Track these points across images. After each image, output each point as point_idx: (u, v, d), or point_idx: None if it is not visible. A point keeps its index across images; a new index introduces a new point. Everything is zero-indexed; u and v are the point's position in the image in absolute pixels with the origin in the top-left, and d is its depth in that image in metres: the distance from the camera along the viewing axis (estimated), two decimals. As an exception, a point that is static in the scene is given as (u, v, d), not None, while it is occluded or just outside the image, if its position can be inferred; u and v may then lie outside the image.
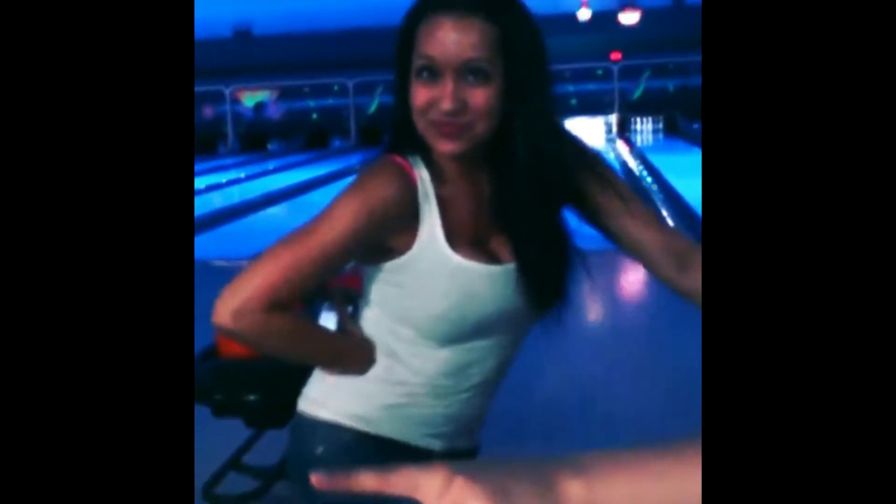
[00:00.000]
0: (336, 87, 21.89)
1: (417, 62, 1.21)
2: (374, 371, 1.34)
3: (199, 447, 1.88)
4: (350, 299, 1.46)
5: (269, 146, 22.00)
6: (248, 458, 2.92)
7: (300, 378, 1.41)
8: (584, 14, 19.08)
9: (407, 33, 1.24)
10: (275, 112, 22.63)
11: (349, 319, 1.39)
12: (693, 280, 1.29)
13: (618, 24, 19.55)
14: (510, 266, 1.30)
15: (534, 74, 1.23)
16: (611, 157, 14.29)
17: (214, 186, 12.85)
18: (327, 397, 1.36)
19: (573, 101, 19.67)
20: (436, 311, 1.27)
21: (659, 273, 1.33)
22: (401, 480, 0.64)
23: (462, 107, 1.19)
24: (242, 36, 23.06)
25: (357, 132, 20.97)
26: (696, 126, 17.71)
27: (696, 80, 19.41)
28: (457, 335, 1.29)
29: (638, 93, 21.21)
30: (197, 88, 20.00)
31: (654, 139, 19.97)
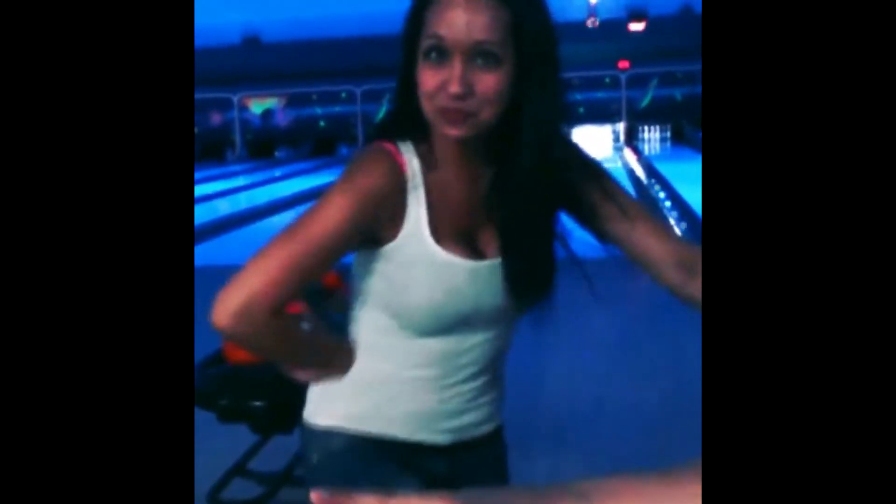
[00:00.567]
0: (344, 95, 21.93)
1: (425, 42, 1.18)
2: (360, 373, 1.34)
3: (204, 452, 1.88)
4: (331, 304, 1.46)
5: (277, 153, 22.05)
6: (253, 464, 2.92)
7: (306, 384, 1.41)
8: (591, 22, 19.08)
9: (416, 13, 1.20)
10: (283, 119, 22.68)
11: (318, 324, 1.38)
12: (698, 287, 1.27)
13: (625, 32, 19.56)
14: (495, 262, 1.28)
15: (545, 62, 1.21)
16: (618, 165, 14.29)
17: (222, 193, 12.88)
18: (322, 403, 1.37)
19: (581, 110, 19.66)
20: (416, 302, 1.26)
21: (664, 281, 1.32)
22: None
23: (470, 91, 1.16)
24: (251, 43, 23.12)
25: (365, 140, 20.88)
26: (703, 135, 17.67)
27: (704, 89, 19.34)
28: (439, 327, 1.28)
29: (645, 101, 21.21)
30: (205, 95, 20.13)
31: (662, 147, 19.95)
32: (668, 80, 20.88)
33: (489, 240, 1.29)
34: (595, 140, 19.45)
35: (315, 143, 21.65)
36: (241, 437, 2.77)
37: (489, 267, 1.28)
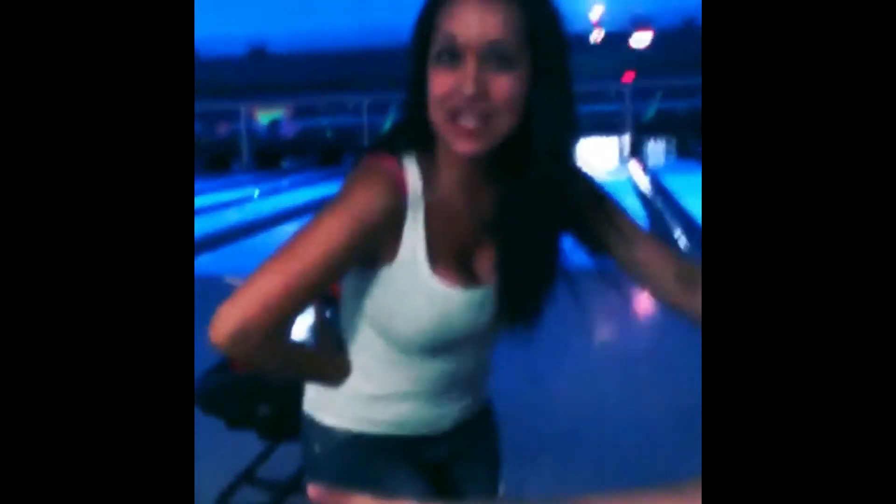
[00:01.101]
0: (350, 106, 21.93)
1: (437, 44, 1.12)
2: (354, 386, 1.35)
3: (212, 460, 1.88)
4: (328, 302, 1.46)
5: (283, 164, 22.03)
6: (261, 472, 2.93)
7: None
8: (596, 35, 19.10)
9: (427, 15, 1.15)
10: (289, 130, 22.69)
11: (324, 327, 1.40)
12: (698, 303, 1.25)
13: (630, 45, 19.55)
14: (489, 288, 1.26)
15: (559, 69, 1.16)
16: (623, 178, 14.26)
17: (228, 203, 12.90)
18: (323, 399, 1.38)
19: (585, 122, 19.57)
20: (409, 327, 1.24)
21: (663, 297, 1.30)
22: None
23: (483, 94, 1.10)
24: (257, 54, 23.17)
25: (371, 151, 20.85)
26: (708, 147, 17.60)
27: (709, 102, 19.29)
28: (430, 349, 1.29)
29: (650, 114, 21.18)
30: (212, 106, 20.12)
31: (667, 160, 19.91)
32: (673, 93, 20.85)
33: (485, 262, 1.26)
34: (600, 153, 19.42)
35: (321, 154, 21.63)
36: (249, 444, 2.78)
37: (484, 293, 1.26)
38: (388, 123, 20.31)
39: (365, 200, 1.16)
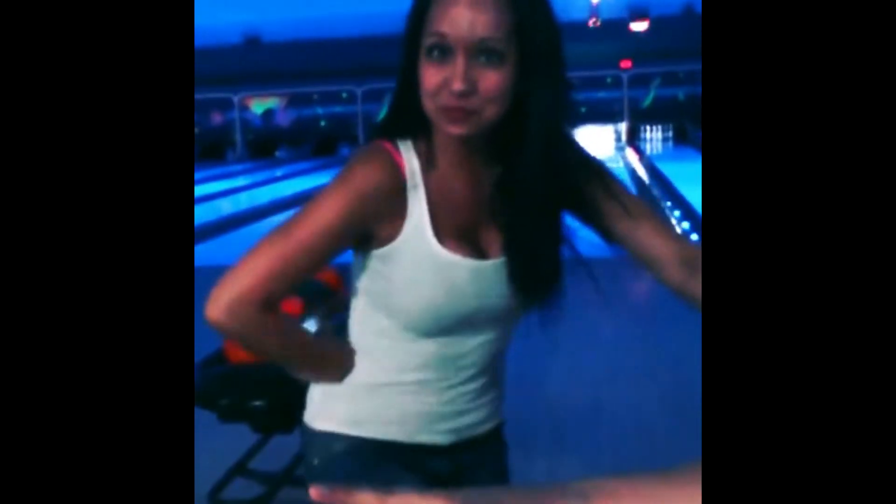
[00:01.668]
0: (345, 95, 21.96)
1: (428, 40, 1.16)
2: (359, 376, 1.33)
3: (205, 452, 1.88)
4: (333, 303, 1.46)
5: (278, 153, 22.07)
6: (254, 464, 2.92)
7: (306, 384, 1.41)
8: (593, 22, 19.11)
9: (418, 11, 1.19)
10: (283, 119, 22.71)
11: (329, 328, 1.39)
12: (700, 286, 1.26)
13: (627, 32, 19.57)
14: (498, 261, 1.27)
15: (549, 60, 1.19)
16: (620, 165, 14.29)
17: (222, 193, 12.90)
18: (322, 406, 1.36)
19: (583, 109, 19.66)
20: (418, 303, 1.25)
21: (666, 280, 1.31)
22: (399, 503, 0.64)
23: (472, 89, 1.14)
24: (252, 43, 23.16)
25: (365, 140, 20.87)
26: (705, 134, 17.68)
27: (706, 89, 19.39)
28: (440, 328, 1.28)
29: (648, 101, 21.22)
30: (206, 95, 20.16)
31: (664, 147, 19.96)
32: (671, 79, 20.90)
33: (492, 239, 1.28)
34: (597, 140, 19.46)
35: (316, 143, 21.67)
36: (241, 436, 2.77)
37: (492, 266, 1.27)
38: (382, 112, 20.33)
39: (363, 176, 1.21)
